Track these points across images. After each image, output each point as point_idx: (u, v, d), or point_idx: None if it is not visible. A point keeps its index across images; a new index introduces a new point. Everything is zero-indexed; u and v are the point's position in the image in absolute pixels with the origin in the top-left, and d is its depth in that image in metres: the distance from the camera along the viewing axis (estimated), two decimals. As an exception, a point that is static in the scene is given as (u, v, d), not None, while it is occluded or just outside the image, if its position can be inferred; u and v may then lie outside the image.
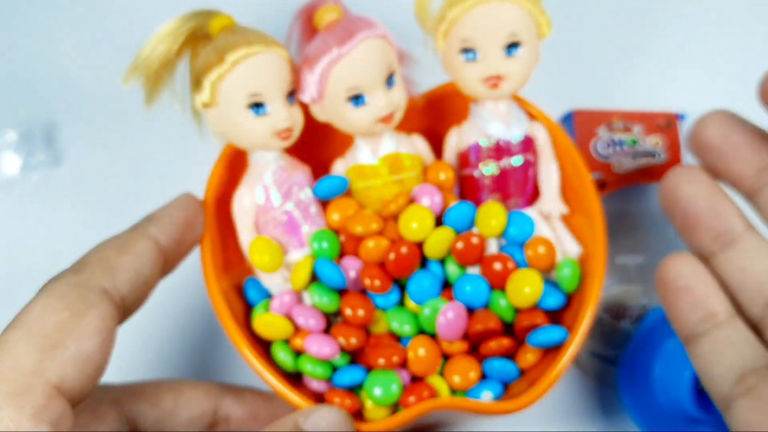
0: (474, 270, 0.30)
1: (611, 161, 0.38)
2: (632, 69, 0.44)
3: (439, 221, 0.30)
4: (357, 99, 0.29)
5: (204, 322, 0.37)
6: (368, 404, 0.28)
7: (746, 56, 0.44)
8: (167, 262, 0.28)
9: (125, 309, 0.26)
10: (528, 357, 0.29)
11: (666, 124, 0.39)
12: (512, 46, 0.29)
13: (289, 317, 0.29)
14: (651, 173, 0.38)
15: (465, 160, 0.31)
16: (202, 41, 0.29)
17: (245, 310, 0.30)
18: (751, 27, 0.46)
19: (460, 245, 0.29)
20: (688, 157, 0.41)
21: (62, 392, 0.23)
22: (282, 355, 0.29)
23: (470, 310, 0.29)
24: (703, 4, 0.46)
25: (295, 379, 0.29)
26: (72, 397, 0.23)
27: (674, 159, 0.39)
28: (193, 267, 0.29)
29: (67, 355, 0.23)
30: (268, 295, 0.30)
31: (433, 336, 0.29)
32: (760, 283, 0.27)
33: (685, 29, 0.45)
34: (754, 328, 0.27)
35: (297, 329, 0.29)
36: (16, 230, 0.40)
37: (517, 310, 0.29)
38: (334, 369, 0.29)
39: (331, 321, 0.30)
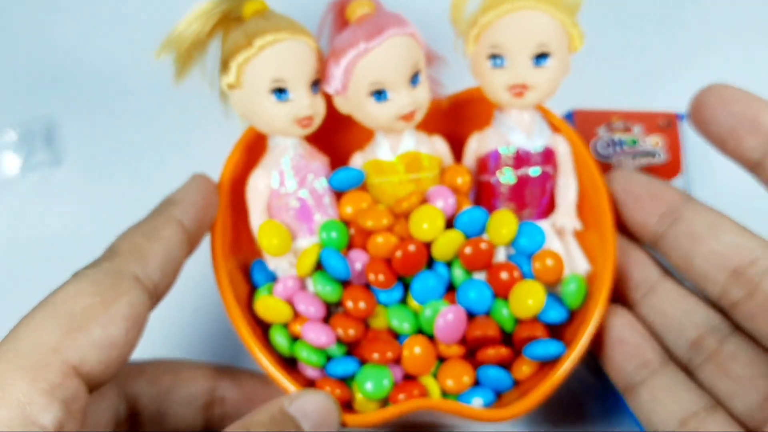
0: (480, 276, 0.30)
1: (611, 161, 0.38)
2: (632, 69, 0.43)
3: (450, 224, 0.30)
4: (379, 94, 0.29)
5: (208, 303, 0.37)
6: (358, 397, 0.28)
7: (746, 56, 0.44)
8: (191, 244, 0.28)
9: (157, 295, 0.26)
10: (524, 369, 0.29)
11: (666, 124, 0.39)
12: (541, 57, 0.29)
13: (291, 302, 0.29)
14: (651, 173, 0.38)
15: (484, 166, 0.31)
16: (234, 24, 0.29)
17: (249, 293, 0.30)
18: (751, 27, 0.45)
19: (468, 250, 0.29)
20: (688, 157, 0.40)
21: (80, 373, 0.23)
22: (279, 339, 0.29)
23: (471, 316, 0.29)
24: (703, 5, 0.46)
25: (290, 364, 0.30)
26: (90, 379, 0.23)
27: (674, 159, 0.38)
28: (201, 246, 0.30)
29: (90, 339, 0.23)
30: (273, 279, 0.30)
31: (431, 337, 0.29)
32: (681, 326, 0.29)
33: (685, 29, 0.45)
34: (685, 369, 0.28)
35: (297, 315, 0.29)
36: (17, 230, 0.40)
37: (518, 321, 0.29)
38: (329, 358, 0.29)
39: (331, 311, 0.30)
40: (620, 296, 0.30)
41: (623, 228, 0.30)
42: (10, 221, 0.40)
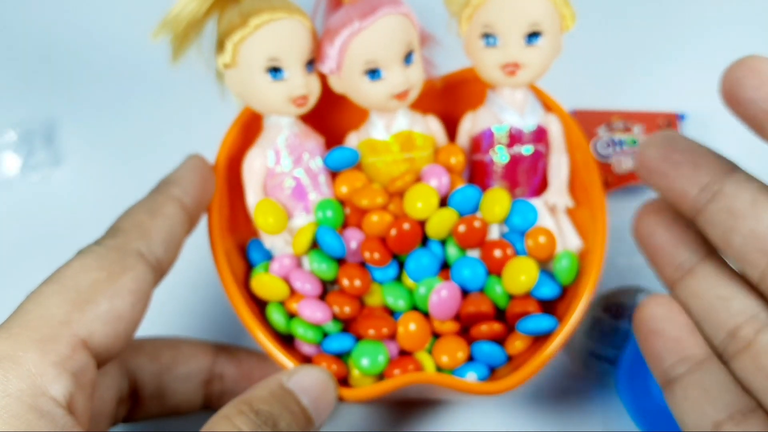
0: (473, 253, 0.30)
1: (611, 161, 0.38)
2: (632, 69, 0.44)
3: (444, 203, 0.31)
4: (373, 73, 0.29)
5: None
6: (354, 373, 0.29)
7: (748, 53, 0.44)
8: (191, 222, 0.29)
9: (161, 270, 0.27)
10: (517, 344, 0.29)
11: (666, 124, 0.39)
12: (533, 36, 0.29)
13: (287, 280, 0.29)
14: None
15: (477, 145, 0.32)
16: (230, 3, 0.30)
17: (246, 271, 0.31)
18: (751, 26, 0.45)
19: (462, 228, 0.30)
20: None
21: (88, 346, 0.23)
22: (276, 316, 0.29)
23: (465, 293, 0.30)
24: (704, 4, 0.46)
25: (287, 341, 0.30)
26: (99, 353, 0.23)
27: None
28: (198, 225, 0.30)
29: (98, 312, 0.23)
30: (270, 258, 0.31)
31: (426, 314, 0.30)
32: (717, 313, 0.26)
33: (685, 29, 0.45)
34: (720, 358, 0.26)
35: (293, 292, 0.29)
36: (16, 230, 0.40)
37: (511, 297, 0.30)
38: (325, 335, 0.29)
39: (327, 288, 0.30)
40: (663, 278, 0.27)
41: (661, 194, 0.27)
42: (10, 221, 0.40)
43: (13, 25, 0.47)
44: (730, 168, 0.26)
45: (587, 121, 0.39)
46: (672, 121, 0.40)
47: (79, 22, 0.47)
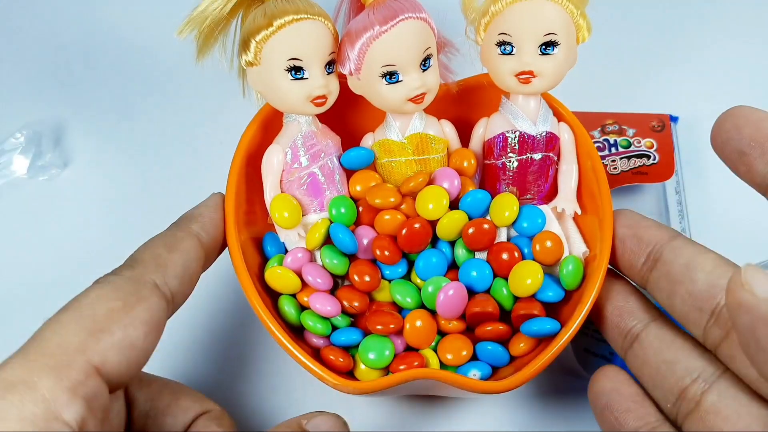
0: (481, 255, 0.31)
1: (605, 162, 0.39)
2: (626, 74, 0.45)
3: (455, 205, 0.31)
4: (391, 76, 0.30)
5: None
6: (361, 366, 0.30)
7: (738, 58, 0.45)
8: (207, 259, 0.29)
9: (174, 303, 0.27)
10: (520, 345, 0.30)
11: (659, 125, 0.39)
12: (548, 45, 0.30)
13: (299, 274, 0.30)
14: (644, 174, 0.39)
15: (489, 150, 0.32)
16: (254, 3, 0.30)
17: (261, 263, 0.32)
18: (739, 33, 0.46)
19: (471, 230, 0.30)
20: (681, 158, 0.41)
21: (101, 373, 0.24)
22: (287, 308, 0.30)
23: (472, 293, 0.30)
24: (695, 10, 0.47)
25: (297, 332, 0.31)
26: (110, 379, 0.24)
27: (667, 160, 0.39)
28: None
29: (112, 340, 0.24)
30: (284, 251, 0.32)
31: (433, 312, 0.30)
32: (663, 378, 0.27)
33: (677, 36, 0.46)
34: (674, 423, 0.27)
35: (305, 286, 0.30)
36: (24, 231, 0.41)
37: (517, 299, 0.30)
38: (334, 328, 0.30)
39: (338, 283, 0.31)
40: (614, 347, 0.30)
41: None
42: (18, 222, 0.41)
43: (22, 29, 0.48)
44: (671, 236, 0.28)
45: (581, 124, 0.40)
46: (665, 122, 0.40)
47: (87, 25, 0.48)
